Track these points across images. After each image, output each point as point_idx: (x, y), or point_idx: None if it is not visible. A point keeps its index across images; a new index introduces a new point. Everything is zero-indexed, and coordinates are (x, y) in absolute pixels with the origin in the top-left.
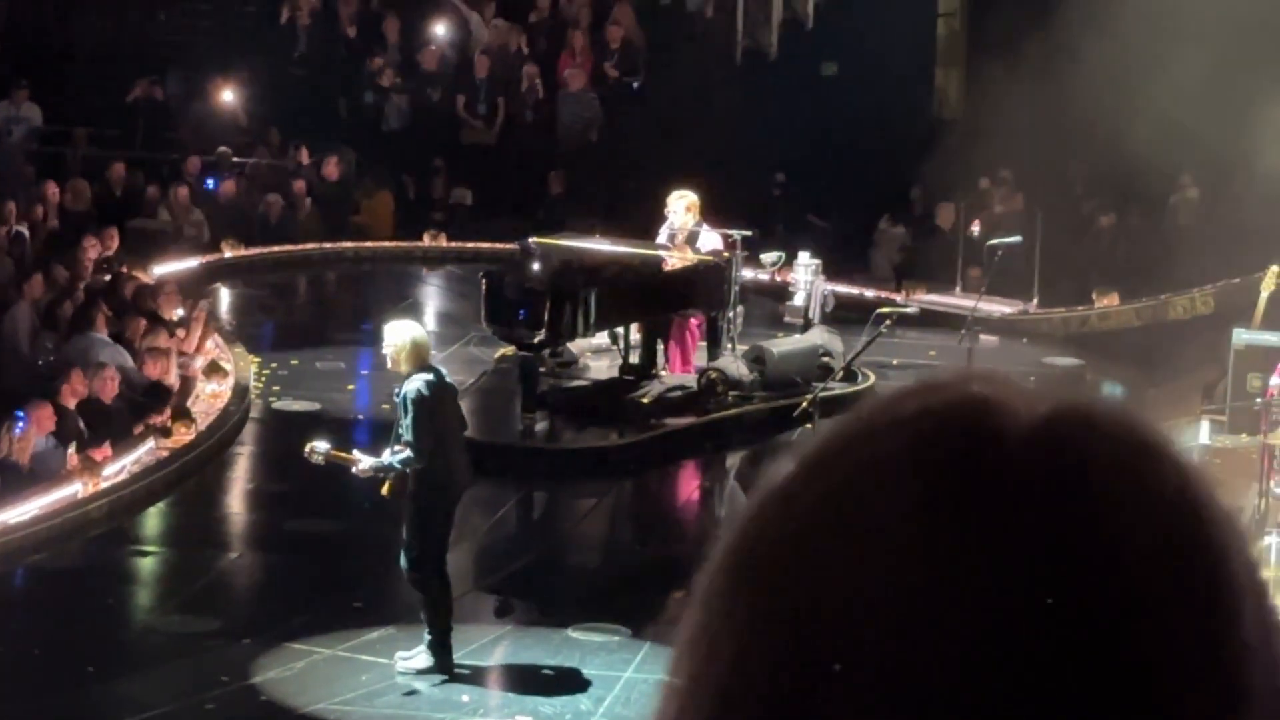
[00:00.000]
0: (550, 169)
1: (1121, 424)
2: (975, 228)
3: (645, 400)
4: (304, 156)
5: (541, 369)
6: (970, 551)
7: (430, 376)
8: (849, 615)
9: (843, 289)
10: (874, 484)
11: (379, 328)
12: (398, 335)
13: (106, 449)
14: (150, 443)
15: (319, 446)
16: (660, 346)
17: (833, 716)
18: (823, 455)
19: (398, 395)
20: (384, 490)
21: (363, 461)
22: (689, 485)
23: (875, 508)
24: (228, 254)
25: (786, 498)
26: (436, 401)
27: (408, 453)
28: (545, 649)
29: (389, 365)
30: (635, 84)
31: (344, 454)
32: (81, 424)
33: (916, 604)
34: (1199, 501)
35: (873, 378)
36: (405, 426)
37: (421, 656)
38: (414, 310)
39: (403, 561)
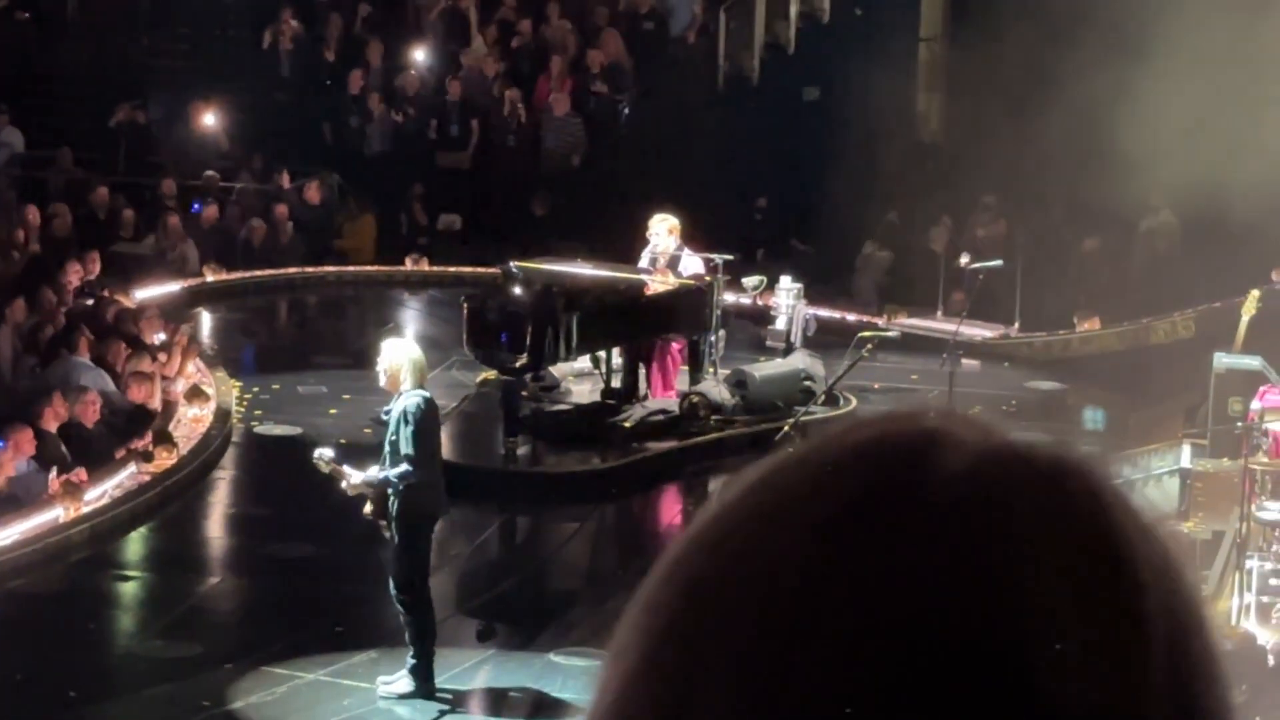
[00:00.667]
0: (532, 193)
1: (1055, 464)
2: (964, 259)
3: (627, 424)
4: (286, 180)
5: (523, 393)
6: (866, 572)
7: (426, 394)
8: (732, 625)
9: (824, 313)
10: (802, 494)
11: (361, 352)
12: (396, 354)
13: (82, 473)
14: (132, 467)
15: (325, 454)
16: (642, 370)
17: None
18: (767, 472)
19: (386, 414)
20: (366, 510)
21: (353, 476)
22: (671, 509)
23: (795, 513)
24: (210, 278)
25: (721, 509)
26: (431, 420)
27: (404, 466)
28: (527, 673)
29: (381, 383)
30: (623, 105)
31: (340, 468)
32: (64, 448)
33: (799, 622)
34: (1116, 542)
35: (854, 401)
36: (403, 440)
37: (403, 681)
38: (396, 334)
39: (393, 590)
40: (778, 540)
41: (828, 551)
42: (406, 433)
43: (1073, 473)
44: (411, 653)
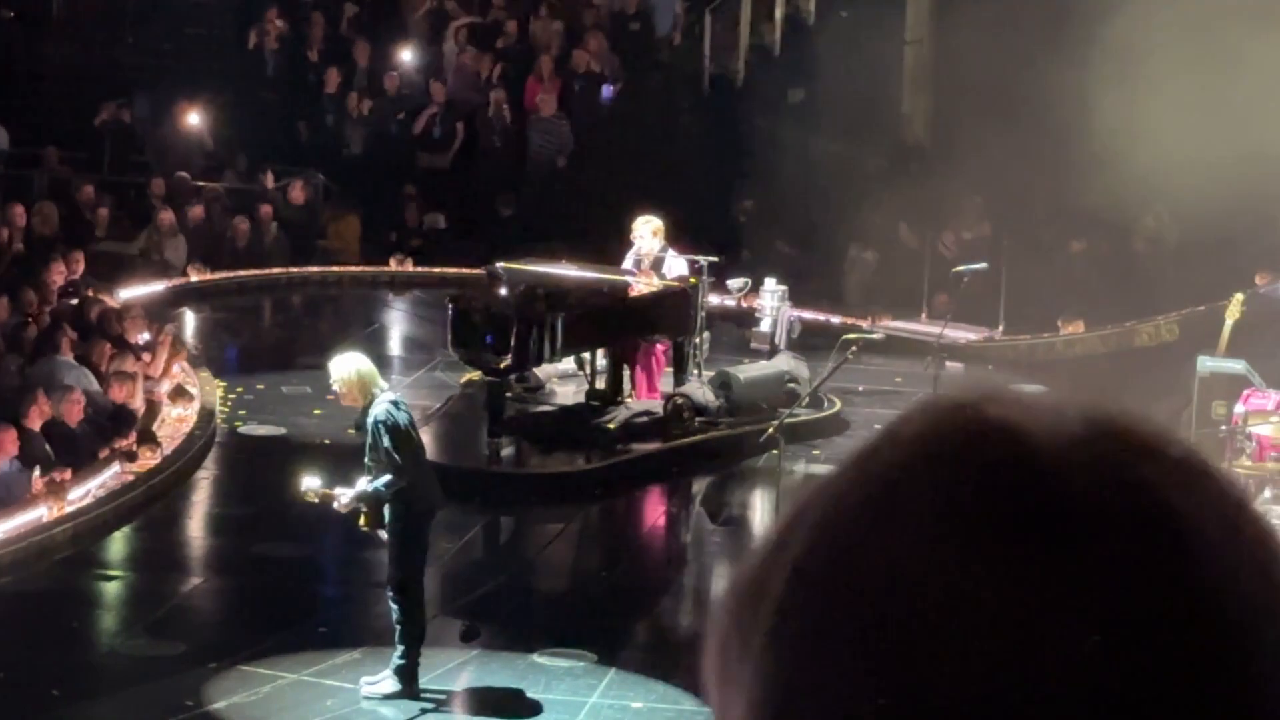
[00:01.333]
0: (519, 195)
1: (1161, 442)
2: (948, 245)
3: (611, 426)
4: (270, 181)
5: (508, 394)
6: (1062, 600)
7: (394, 397)
8: (937, 656)
9: (809, 315)
10: (940, 525)
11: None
12: (342, 370)
13: (68, 473)
14: (115, 467)
15: (313, 484)
16: (626, 372)
17: None
18: (866, 501)
19: (360, 427)
20: (362, 523)
21: (344, 496)
22: (655, 511)
23: (948, 560)
24: (194, 278)
25: (839, 551)
26: (408, 422)
27: (389, 475)
28: (511, 674)
29: (342, 401)
30: (607, 90)
31: (329, 492)
32: (47, 446)
33: (1003, 655)
34: (1258, 519)
35: (838, 404)
36: (384, 450)
37: (388, 681)
38: (380, 335)
39: (389, 586)
40: (952, 604)
41: (1011, 598)
42: (387, 440)
43: (1183, 453)
44: (399, 653)
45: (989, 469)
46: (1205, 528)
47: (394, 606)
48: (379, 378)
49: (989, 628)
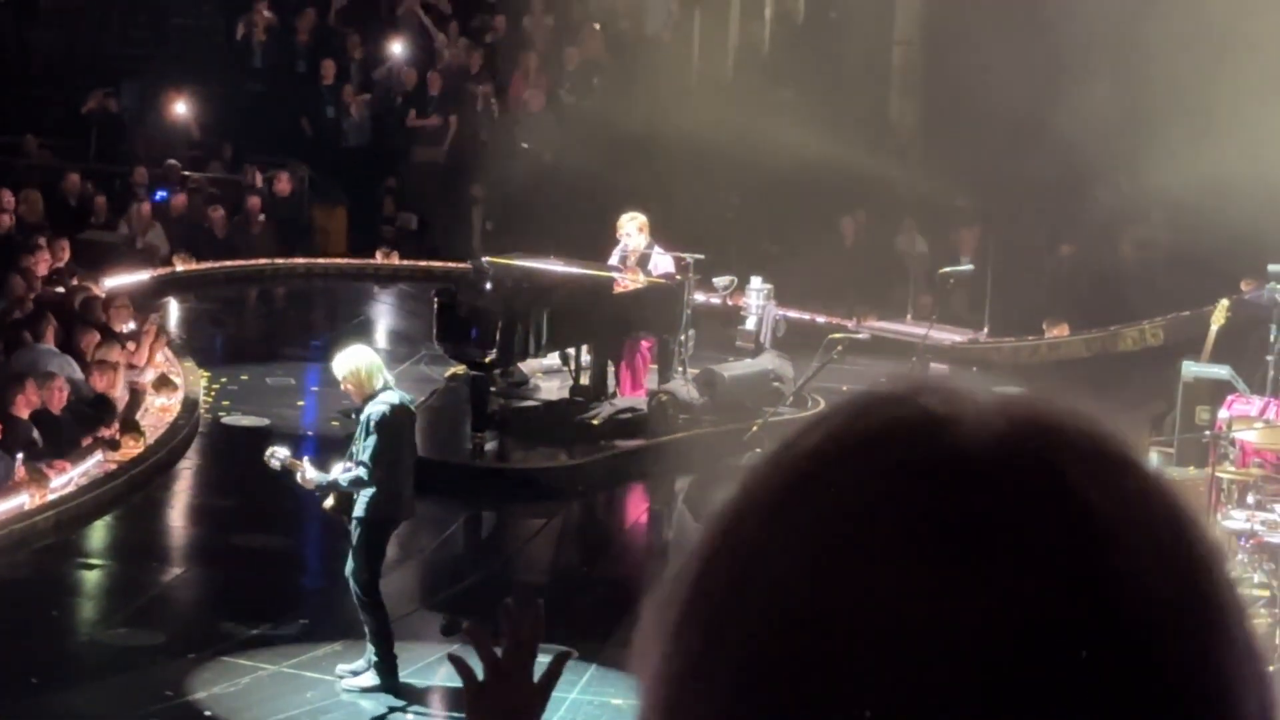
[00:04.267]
0: (503, 189)
1: (1084, 433)
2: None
3: (595, 421)
4: (256, 177)
5: (492, 389)
6: (963, 582)
7: (396, 400)
8: (837, 653)
9: (794, 314)
10: (846, 522)
11: (330, 344)
12: (346, 364)
13: (64, 465)
14: (98, 455)
15: (279, 452)
16: (611, 368)
17: None
18: (778, 488)
19: (358, 413)
20: (326, 504)
21: (308, 471)
22: (637, 507)
23: (852, 546)
24: (179, 268)
25: (748, 536)
26: (397, 429)
27: (359, 473)
28: None
29: (353, 397)
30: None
31: (297, 463)
32: (36, 434)
33: (909, 639)
34: (1183, 513)
35: (823, 403)
36: (364, 448)
37: (368, 675)
38: (366, 327)
39: (353, 587)
40: (857, 579)
41: (919, 581)
42: (370, 440)
43: (1103, 443)
44: (372, 650)
45: (905, 462)
46: (1119, 522)
47: (357, 603)
48: (381, 374)
49: (893, 627)
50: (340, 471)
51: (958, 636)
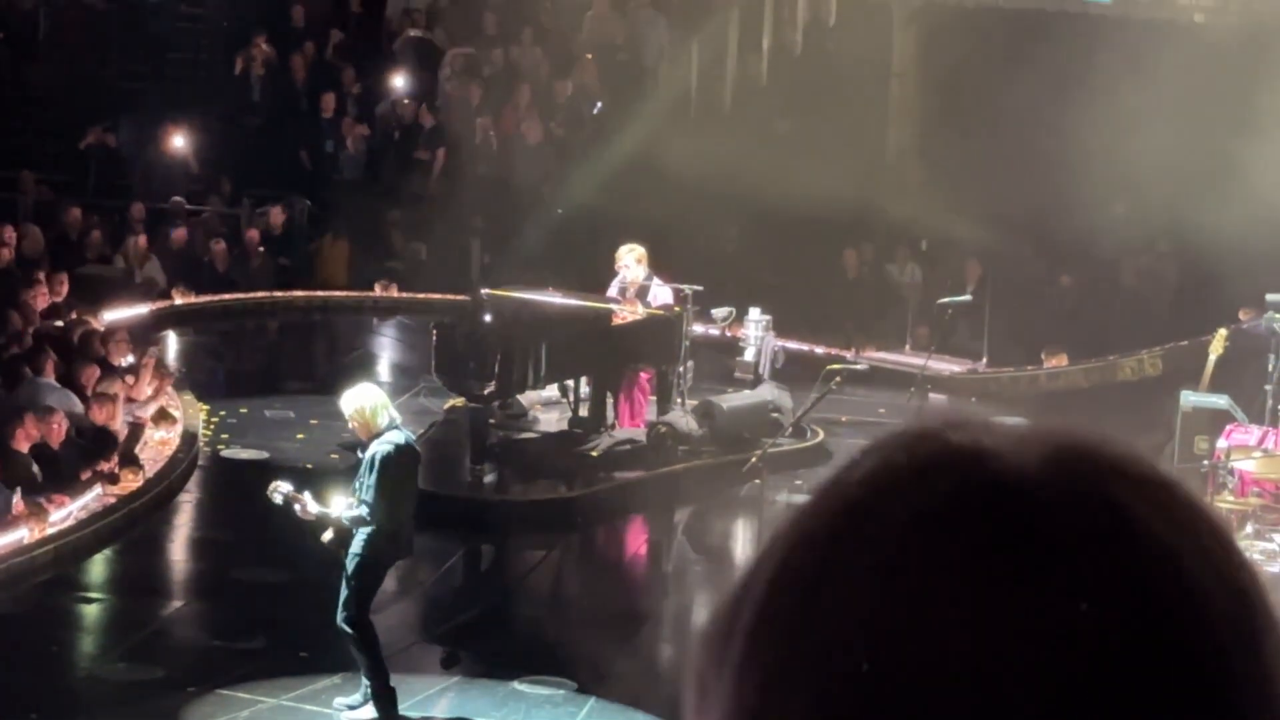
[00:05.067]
0: (503, 220)
1: (1128, 463)
2: (902, 275)
3: (594, 453)
4: (250, 208)
5: (491, 421)
6: (1031, 614)
7: (401, 440)
8: (904, 684)
9: (793, 345)
10: (906, 548)
11: (330, 377)
12: (352, 403)
13: (64, 499)
14: (97, 489)
15: (282, 487)
16: (610, 400)
17: None
18: (834, 518)
19: (361, 450)
20: (325, 538)
21: (310, 506)
22: (637, 539)
23: (915, 572)
24: (178, 301)
25: (808, 565)
26: (401, 467)
27: (361, 511)
28: (491, 701)
29: (359, 434)
30: (596, 109)
31: (299, 496)
32: (35, 468)
33: (981, 674)
34: (1228, 534)
35: (821, 434)
36: (367, 486)
37: (367, 708)
38: (365, 360)
39: (341, 621)
40: (925, 618)
41: (988, 616)
42: (373, 479)
43: (1150, 473)
44: (370, 685)
45: (955, 490)
46: (1175, 544)
47: (349, 639)
48: (386, 412)
49: (956, 651)
50: (344, 508)
51: (1030, 661)
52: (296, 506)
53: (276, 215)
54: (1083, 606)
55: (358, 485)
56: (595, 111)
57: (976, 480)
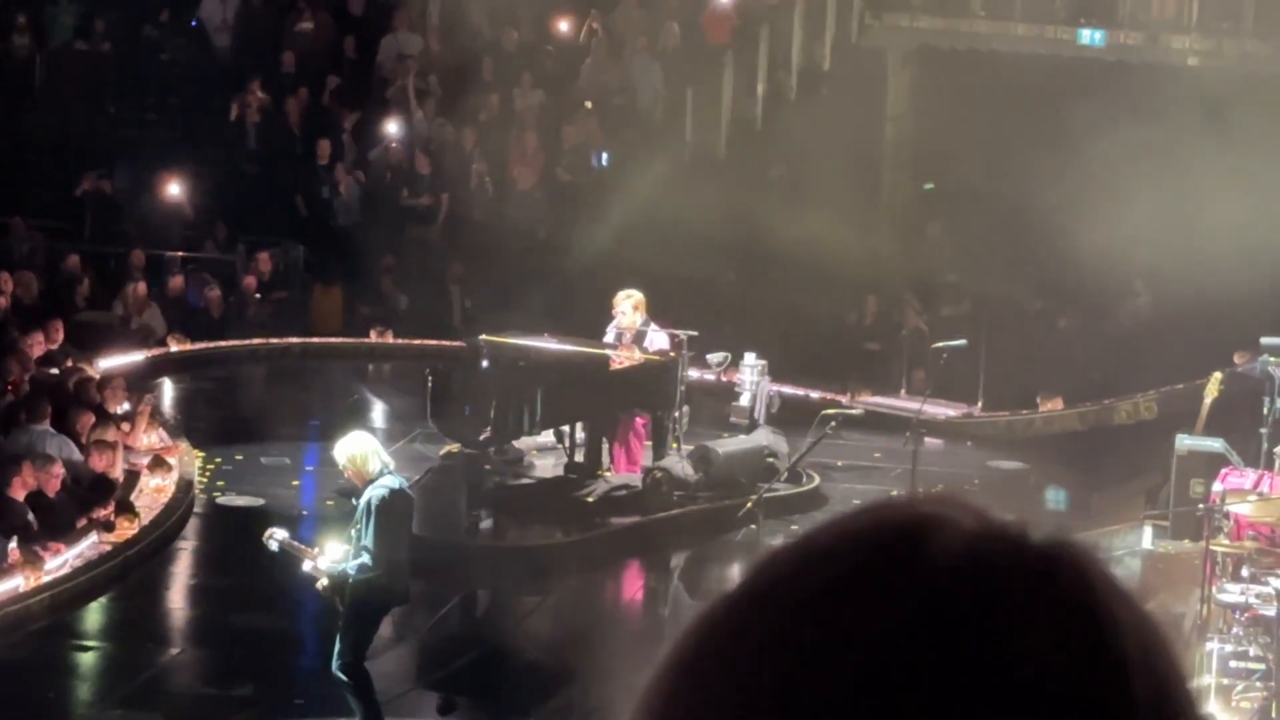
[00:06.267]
0: (499, 266)
1: (1048, 548)
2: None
3: (590, 499)
4: (247, 252)
5: (487, 467)
6: (879, 666)
7: (395, 485)
8: (724, 703)
9: (788, 390)
10: (818, 607)
11: (325, 424)
12: (345, 451)
13: (60, 547)
14: (93, 536)
15: (278, 534)
16: (606, 445)
17: None
18: (768, 579)
19: (357, 499)
20: (320, 584)
21: (321, 563)
22: (633, 584)
23: (784, 592)
24: (174, 348)
25: (723, 595)
26: (394, 513)
27: (365, 559)
28: None
29: (354, 481)
30: (602, 160)
31: (300, 546)
32: (31, 516)
33: (784, 695)
34: (1100, 621)
35: (817, 479)
36: (365, 532)
37: None
38: (360, 406)
39: (336, 669)
40: (766, 618)
41: (814, 625)
42: (370, 525)
43: (1064, 557)
44: None
45: (867, 562)
46: (1119, 615)
47: (345, 687)
48: (377, 458)
49: (861, 704)
50: (342, 556)
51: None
52: (307, 563)
53: (265, 262)
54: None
55: (354, 533)
56: (603, 163)
57: (892, 554)
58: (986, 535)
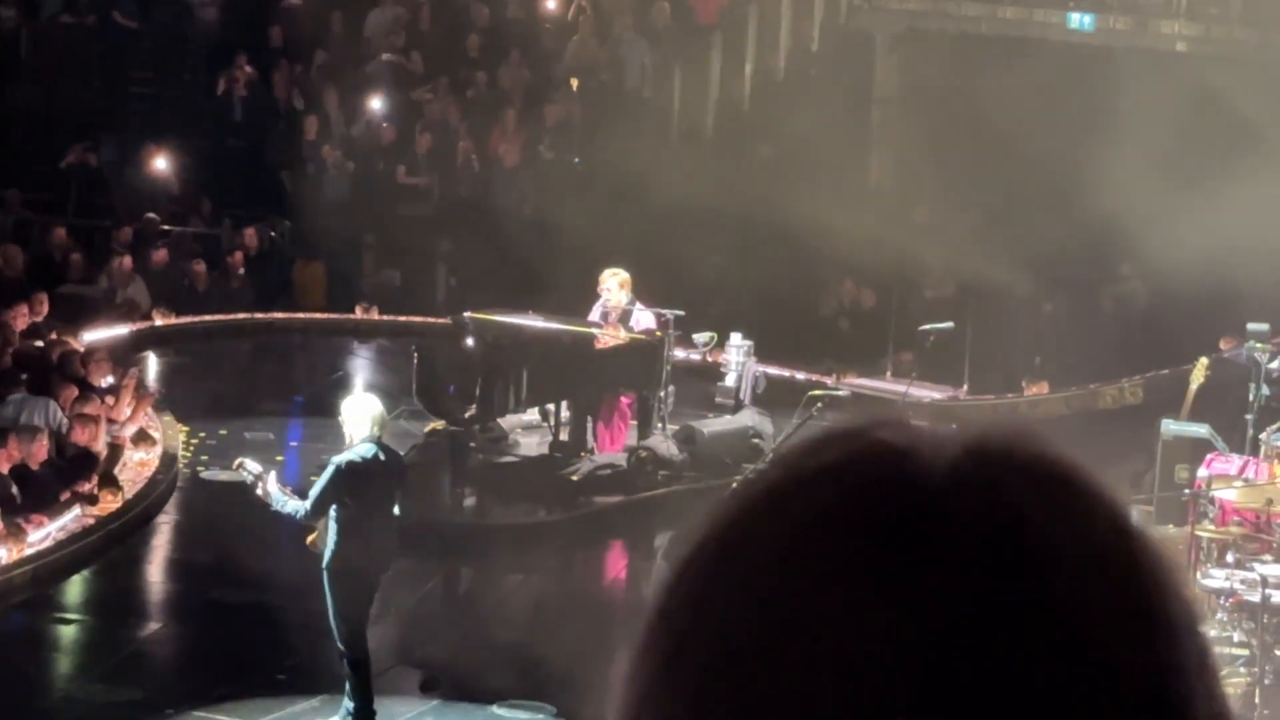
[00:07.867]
0: (484, 244)
1: (1039, 459)
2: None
3: (574, 478)
4: (231, 227)
5: (471, 444)
6: (906, 610)
7: (366, 453)
8: (781, 673)
9: (774, 371)
10: (798, 551)
11: (309, 400)
12: (345, 408)
13: (42, 519)
14: (76, 510)
15: (249, 464)
16: (590, 424)
17: None
18: (742, 519)
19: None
20: (308, 540)
21: (270, 484)
22: (616, 563)
23: (801, 575)
24: (159, 322)
25: (704, 567)
26: (358, 479)
27: (297, 505)
28: None
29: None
30: (576, 160)
31: (262, 475)
32: (14, 489)
33: (849, 653)
34: (1131, 536)
35: None
36: (315, 483)
37: None
38: (345, 382)
39: (337, 641)
40: (808, 606)
41: (864, 607)
42: (321, 479)
43: (1058, 468)
44: (352, 707)
45: (859, 487)
46: (1058, 536)
47: (345, 659)
48: (366, 425)
49: (832, 643)
50: (289, 497)
51: (891, 646)
52: (259, 487)
53: (251, 237)
54: (945, 590)
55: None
56: (576, 162)
57: (882, 478)
58: (966, 455)
